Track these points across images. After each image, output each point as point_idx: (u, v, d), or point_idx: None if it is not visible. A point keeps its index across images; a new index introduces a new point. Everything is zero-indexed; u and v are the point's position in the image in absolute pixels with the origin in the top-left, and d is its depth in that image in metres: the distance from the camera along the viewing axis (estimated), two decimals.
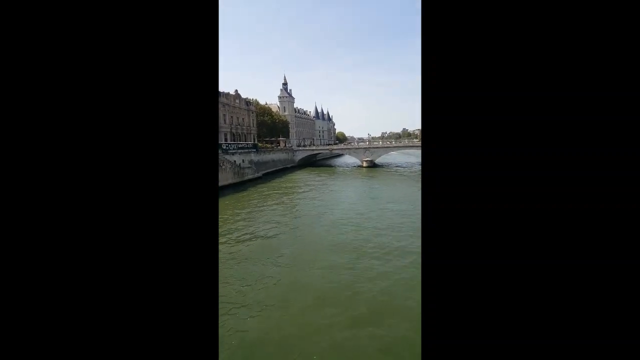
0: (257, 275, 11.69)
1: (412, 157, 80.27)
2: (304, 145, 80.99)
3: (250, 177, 40.98)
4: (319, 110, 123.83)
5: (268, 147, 55.27)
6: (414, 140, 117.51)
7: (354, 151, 64.71)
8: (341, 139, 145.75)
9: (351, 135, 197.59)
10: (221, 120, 47.68)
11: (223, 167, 35.21)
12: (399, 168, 54.96)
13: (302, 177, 46.26)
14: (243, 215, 21.82)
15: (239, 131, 53.80)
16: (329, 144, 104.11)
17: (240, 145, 45.36)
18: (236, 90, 55.02)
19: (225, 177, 34.83)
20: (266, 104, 77.61)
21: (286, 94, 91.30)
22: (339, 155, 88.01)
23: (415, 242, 14.51)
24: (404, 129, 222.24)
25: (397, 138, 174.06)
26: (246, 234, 17.25)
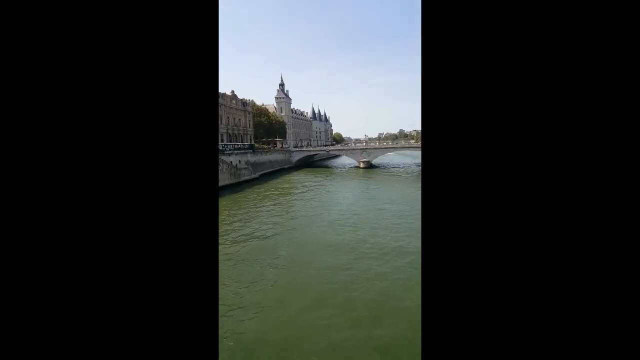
0: (254, 276, 11.66)
1: (409, 158, 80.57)
2: (301, 146, 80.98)
3: (246, 178, 40.89)
4: (316, 111, 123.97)
5: (265, 148, 55.23)
6: (411, 141, 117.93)
7: (351, 152, 64.85)
8: (338, 140, 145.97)
9: (348, 136, 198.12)
10: None
11: (219, 168, 35.12)
12: (396, 169, 55.13)
13: (299, 178, 46.25)
14: (239, 216, 21.75)
15: (236, 132, 53.70)
16: (326, 145, 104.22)
17: (236, 146, 45.28)
18: (232, 91, 54.94)
19: (221, 178, 34.73)
20: (263, 104, 77.49)
21: (283, 95, 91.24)
22: (336, 156, 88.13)
23: (412, 242, 14.54)
24: (400, 130, 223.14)
25: (393, 139, 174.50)
26: (243, 235, 17.20)
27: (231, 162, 39.50)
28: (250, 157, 46.49)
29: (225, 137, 49.04)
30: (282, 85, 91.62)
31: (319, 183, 39.36)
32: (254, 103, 69.26)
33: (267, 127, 69.12)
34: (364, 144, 78.82)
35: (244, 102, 59.73)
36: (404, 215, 20.05)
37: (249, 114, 59.77)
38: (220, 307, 9.04)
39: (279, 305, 9.56)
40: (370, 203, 25.08)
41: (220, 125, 48.28)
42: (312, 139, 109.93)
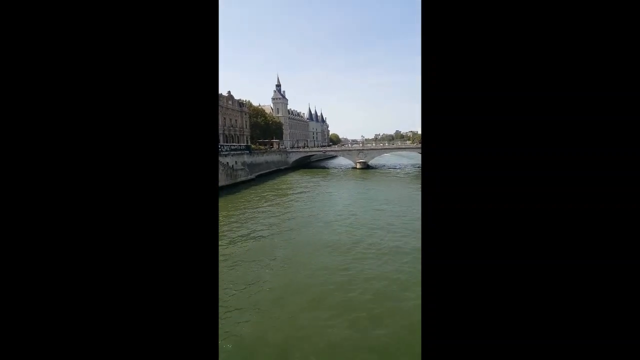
0: (251, 277, 11.62)
1: (405, 159, 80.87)
2: (298, 147, 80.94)
3: (243, 179, 40.79)
4: (313, 112, 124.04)
5: (261, 149, 55.11)
6: (407, 142, 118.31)
7: (348, 153, 64.98)
8: (335, 140, 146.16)
9: (345, 137, 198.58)
10: None
11: None
12: (392, 169, 55.28)
13: (296, 178, 46.21)
14: (236, 217, 21.68)
15: (232, 133, 53.58)
16: (322, 146, 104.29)
17: (233, 147, 45.09)
18: (229, 92, 54.84)
19: None
20: (259, 105, 77.43)
21: (280, 96, 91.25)
22: (333, 157, 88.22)
23: (410, 243, 14.58)
24: (396, 131, 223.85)
25: (390, 140, 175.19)
26: (239, 236, 17.14)
27: (227, 163, 39.37)
28: (247, 158, 46.38)
29: (221, 138, 48.88)
30: (278, 86, 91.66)
31: (315, 184, 39.36)
32: (251, 104, 69.16)
33: (264, 127, 69.04)
34: (361, 144, 79.02)
35: (241, 103, 59.63)
36: (401, 216, 20.10)
37: (245, 114, 59.68)
38: (219, 309, 8.98)
39: (277, 306, 9.53)
40: (367, 204, 25.11)
41: None
42: (308, 140, 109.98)
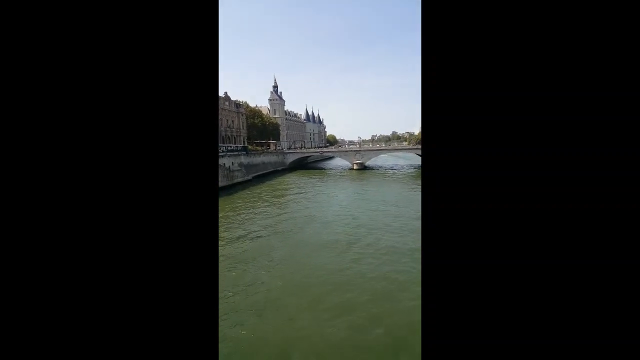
0: (249, 279, 11.57)
1: (401, 160, 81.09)
2: (295, 148, 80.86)
3: (239, 180, 40.67)
4: (310, 113, 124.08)
5: (258, 150, 54.96)
6: (403, 143, 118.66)
7: (345, 154, 64.99)
8: (332, 141, 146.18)
9: (342, 137, 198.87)
10: None
11: None
12: (390, 170, 55.38)
13: (293, 179, 46.17)
14: (232, 218, 21.61)
15: (229, 134, 53.46)
16: (319, 147, 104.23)
17: (229, 148, 44.95)
18: (225, 93, 54.77)
19: None
20: (256, 106, 77.28)
21: (276, 97, 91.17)
22: (330, 158, 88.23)
23: (408, 243, 14.59)
24: (393, 132, 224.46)
25: (386, 141, 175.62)
26: (236, 237, 17.07)
27: (224, 164, 39.23)
28: (244, 159, 46.24)
29: (218, 139, 48.65)
30: (275, 87, 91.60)
31: (312, 185, 39.34)
32: (247, 105, 69.05)
33: (261, 128, 68.93)
34: (358, 145, 79.12)
35: (237, 104, 59.53)
36: (399, 216, 20.13)
37: (242, 115, 59.58)
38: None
39: (276, 307, 9.49)
40: (364, 204, 25.12)
41: None
42: (305, 141, 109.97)
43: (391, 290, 10.31)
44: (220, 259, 13.43)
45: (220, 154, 40.60)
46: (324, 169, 63.71)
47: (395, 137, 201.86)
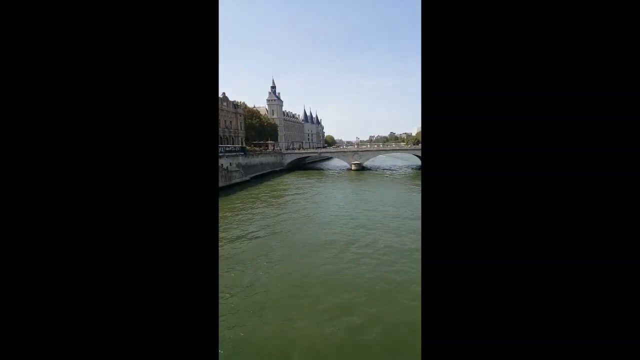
0: (247, 280, 11.54)
1: (399, 161, 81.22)
2: (293, 149, 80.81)
3: (237, 180, 40.60)
4: (308, 114, 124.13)
5: (256, 151, 54.91)
6: (401, 143, 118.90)
7: (343, 154, 65.05)
8: (330, 142, 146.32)
9: (340, 138, 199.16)
10: None
11: None
12: (387, 171, 55.44)
13: (291, 180, 46.15)
14: (230, 219, 21.56)
15: (227, 134, 53.37)
16: (317, 147, 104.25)
17: (227, 149, 44.87)
18: (223, 93, 54.65)
19: None
20: (254, 107, 77.24)
21: (275, 97, 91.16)
22: (328, 159, 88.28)
23: (406, 244, 14.61)
24: (391, 132, 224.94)
25: (384, 142, 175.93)
26: (234, 237, 17.03)
27: (222, 164, 39.13)
28: (242, 160, 46.17)
29: None
30: (273, 87, 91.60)
31: (310, 185, 39.34)
32: (245, 105, 68.98)
33: (259, 129, 68.88)
34: (356, 146, 79.21)
35: (235, 105, 59.46)
36: (396, 217, 20.15)
37: (240, 116, 59.50)
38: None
39: (275, 308, 9.47)
40: (362, 205, 25.14)
41: None
42: (304, 141, 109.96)
43: (390, 290, 10.31)
44: (219, 259, 13.38)
45: (218, 154, 40.46)
46: (322, 170, 63.72)
47: (393, 137, 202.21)
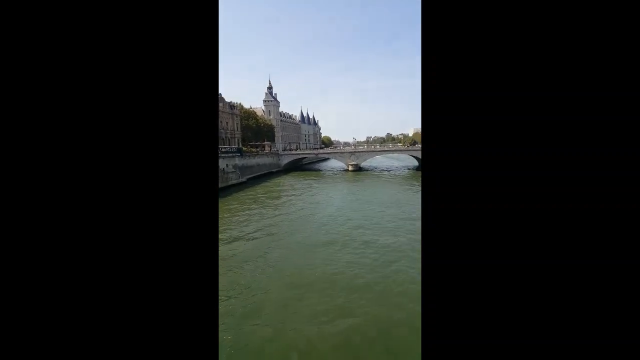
0: (245, 280, 11.50)
1: (396, 161, 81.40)
2: (290, 149, 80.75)
3: (234, 182, 40.49)
4: (305, 115, 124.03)
5: (253, 152, 54.79)
6: (398, 144, 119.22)
7: (340, 155, 65.10)
8: (327, 143, 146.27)
9: (337, 139, 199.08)
10: None
11: None
12: (385, 172, 55.54)
13: (288, 181, 46.09)
14: (227, 220, 21.49)
15: (223, 135, 53.23)
16: (315, 148, 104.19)
17: (224, 150, 44.70)
18: (220, 94, 54.48)
19: None
20: (251, 107, 77.12)
21: (271, 98, 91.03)
22: (325, 160, 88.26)
23: (404, 244, 14.63)
24: (388, 133, 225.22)
25: (381, 142, 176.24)
26: (232, 238, 16.97)
27: (218, 165, 39.03)
28: (238, 161, 46.04)
29: None
30: (270, 88, 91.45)
31: (308, 186, 39.31)
32: (242, 106, 68.82)
33: (256, 130, 68.76)
34: (353, 147, 79.25)
35: (232, 105, 59.30)
36: (394, 217, 20.18)
37: (236, 117, 59.36)
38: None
39: (274, 308, 9.43)
40: (359, 206, 25.15)
41: None
42: (301, 142, 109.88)
43: (390, 290, 10.32)
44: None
45: None
46: (319, 171, 63.73)
47: (390, 138, 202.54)
